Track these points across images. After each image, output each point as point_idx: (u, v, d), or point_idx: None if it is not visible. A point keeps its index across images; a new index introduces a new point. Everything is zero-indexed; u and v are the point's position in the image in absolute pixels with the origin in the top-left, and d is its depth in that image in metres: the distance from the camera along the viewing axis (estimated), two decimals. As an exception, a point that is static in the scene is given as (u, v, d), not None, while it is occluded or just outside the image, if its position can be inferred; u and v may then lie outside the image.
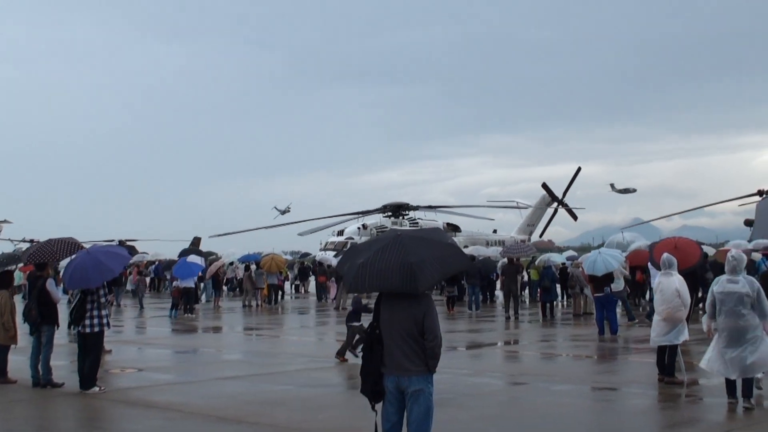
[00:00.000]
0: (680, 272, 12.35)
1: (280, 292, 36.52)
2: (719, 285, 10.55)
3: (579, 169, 58.47)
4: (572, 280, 25.71)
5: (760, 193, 36.95)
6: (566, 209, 57.94)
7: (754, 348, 10.26)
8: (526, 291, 34.62)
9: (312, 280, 42.67)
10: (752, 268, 21.61)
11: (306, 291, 44.15)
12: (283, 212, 67.78)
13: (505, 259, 28.32)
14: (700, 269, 18.90)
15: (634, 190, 65.49)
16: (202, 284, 34.54)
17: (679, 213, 63.96)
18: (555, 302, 27.36)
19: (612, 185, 63.33)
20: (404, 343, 6.56)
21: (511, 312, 25.16)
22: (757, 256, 24.23)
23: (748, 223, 37.69)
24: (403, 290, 6.49)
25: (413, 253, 6.49)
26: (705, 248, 23.87)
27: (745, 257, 11.08)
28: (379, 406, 6.77)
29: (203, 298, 35.42)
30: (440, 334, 6.71)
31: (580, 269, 23.76)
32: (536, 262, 31.10)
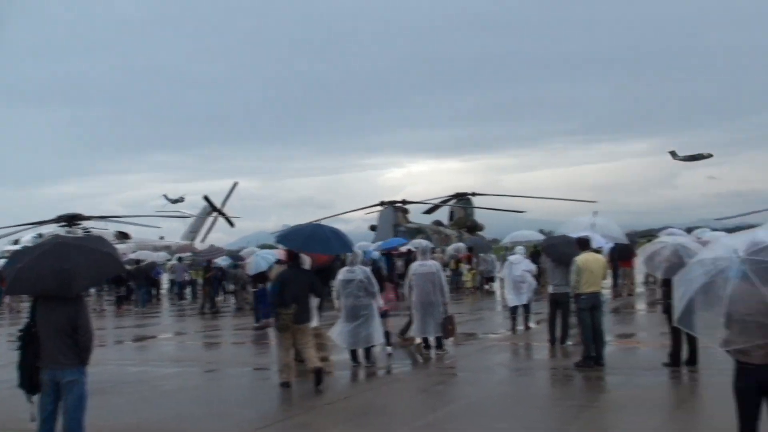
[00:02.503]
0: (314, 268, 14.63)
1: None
2: (342, 274, 13.39)
3: (236, 184, 66.11)
4: (235, 278, 29.47)
5: (381, 203, 43.34)
6: (224, 218, 63.79)
7: (368, 323, 13.16)
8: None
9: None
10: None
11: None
12: None
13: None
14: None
15: (709, 155, 62.12)
16: None
17: (319, 220, 72.68)
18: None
19: (673, 153, 60.53)
20: (59, 339, 7.26)
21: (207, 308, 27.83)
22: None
23: (373, 228, 43.80)
24: (58, 293, 7.21)
25: (69, 259, 7.21)
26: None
27: (360, 252, 14.06)
28: (37, 398, 7.43)
29: None
30: (92, 329, 7.55)
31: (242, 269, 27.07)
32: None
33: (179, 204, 70.97)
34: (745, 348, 5.47)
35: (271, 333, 20.40)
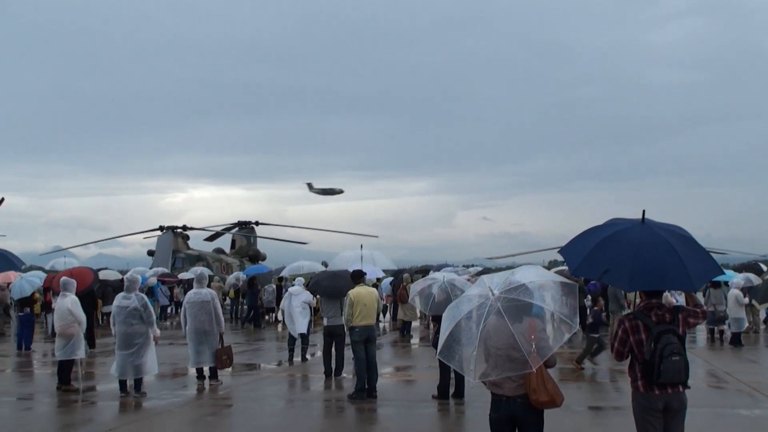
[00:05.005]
0: (78, 293, 14.04)
1: None
2: (117, 300, 13.06)
3: (2, 200, 59.35)
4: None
5: (161, 228, 42.42)
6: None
7: (140, 353, 12.84)
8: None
9: None
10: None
11: None
12: None
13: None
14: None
15: (341, 191, 60.02)
16: None
17: (95, 242, 75.37)
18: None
19: (309, 185, 57.98)
20: None
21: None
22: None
23: (151, 253, 42.65)
24: None
25: None
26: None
27: (138, 278, 13.56)
28: None
29: None
30: None
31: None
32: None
33: None
34: (497, 380, 5.90)
35: (35, 359, 19.35)
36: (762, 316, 26.64)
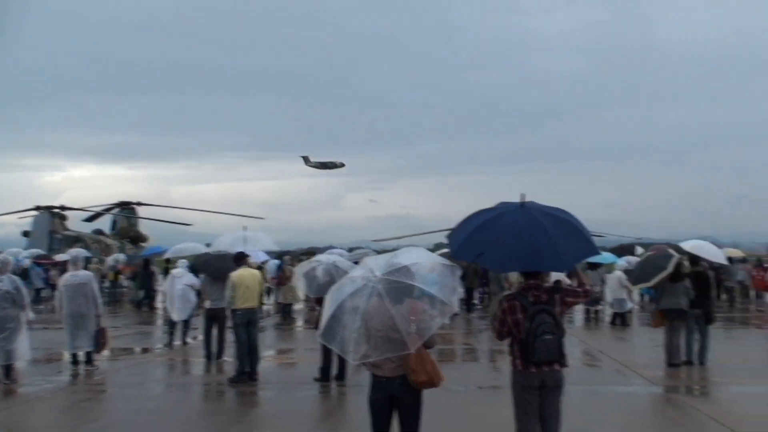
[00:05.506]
0: None
1: None
2: None
3: None
4: None
5: (37, 207, 41.04)
6: None
7: (12, 338, 12.31)
8: None
9: None
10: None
11: None
12: None
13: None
14: None
15: (342, 165, 58.12)
16: None
17: None
18: None
19: (305, 158, 56.06)
20: None
21: None
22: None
23: (26, 233, 41.23)
24: None
25: None
26: None
27: (10, 260, 12.99)
28: None
29: None
30: None
31: None
32: None
33: None
34: (377, 361, 5.90)
35: None
36: (636, 297, 27.90)
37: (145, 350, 17.21)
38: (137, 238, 45.84)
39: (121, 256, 34.25)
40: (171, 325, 17.36)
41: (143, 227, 47.95)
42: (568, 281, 8.01)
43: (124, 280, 33.22)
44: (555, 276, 22.47)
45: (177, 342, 17.25)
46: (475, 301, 27.49)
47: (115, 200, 47.53)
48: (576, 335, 18.95)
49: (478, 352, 16.88)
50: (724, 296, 28.71)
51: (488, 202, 6.55)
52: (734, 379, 12.71)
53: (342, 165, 57.36)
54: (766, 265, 30.00)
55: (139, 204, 47.66)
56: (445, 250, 22.12)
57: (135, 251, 40.08)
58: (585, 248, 6.21)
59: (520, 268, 6.34)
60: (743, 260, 31.48)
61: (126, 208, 47.18)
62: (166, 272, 28.88)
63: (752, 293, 31.04)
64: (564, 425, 6.28)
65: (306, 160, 54.20)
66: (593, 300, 22.13)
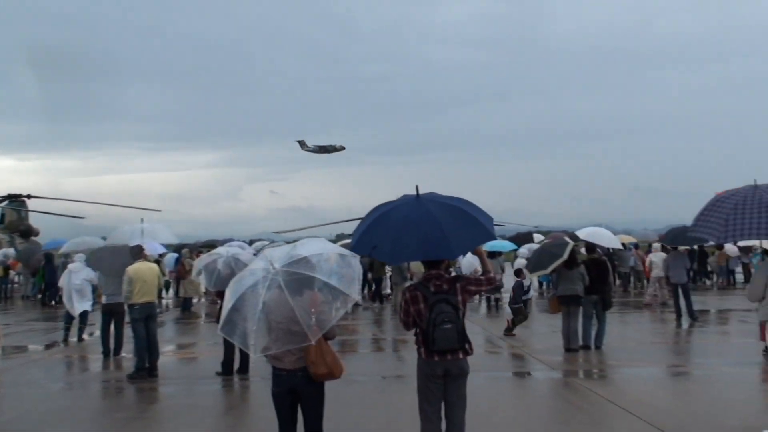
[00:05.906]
0: None
1: None
2: None
3: None
4: None
5: None
6: None
7: None
8: None
9: None
10: None
11: None
12: None
13: None
14: None
15: (342, 148, 55.47)
16: None
17: None
18: None
19: (301, 143, 52.93)
20: None
21: None
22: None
23: None
24: None
25: None
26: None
27: None
28: None
29: None
30: None
31: None
32: None
33: None
34: (278, 354, 5.85)
35: None
36: (534, 284, 28.58)
37: (39, 347, 16.61)
38: (28, 232, 44.04)
39: (11, 251, 32.91)
40: (68, 320, 16.82)
41: (34, 220, 46.14)
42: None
43: (14, 276, 31.97)
44: (469, 265, 22.73)
45: (73, 339, 16.71)
46: (388, 291, 27.59)
47: (4, 193, 45.55)
48: (477, 323, 19.29)
49: (383, 342, 16.98)
50: (617, 282, 29.74)
51: (389, 193, 6.58)
52: (629, 362, 13.19)
53: (342, 148, 55.82)
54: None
55: (29, 197, 45.77)
56: (347, 241, 22.18)
57: (26, 245, 38.51)
58: (479, 234, 6.30)
59: (411, 258, 6.52)
60: (636, 246, 32.65)
61: (15, 200, 45.26)
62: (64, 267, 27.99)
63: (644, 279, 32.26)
64: (468, 411, 6.37)
65: (302, 144, 52.30)
66: (494, 288, 22.59)
